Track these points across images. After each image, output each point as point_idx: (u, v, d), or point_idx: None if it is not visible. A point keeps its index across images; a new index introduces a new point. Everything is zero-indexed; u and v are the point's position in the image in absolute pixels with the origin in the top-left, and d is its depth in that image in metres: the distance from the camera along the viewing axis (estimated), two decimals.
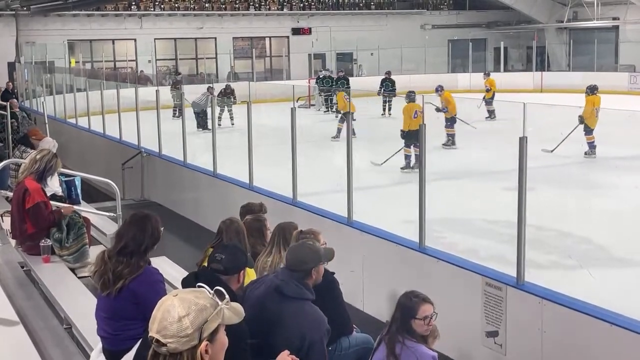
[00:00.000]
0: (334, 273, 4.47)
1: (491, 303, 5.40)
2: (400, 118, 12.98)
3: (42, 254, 5.81)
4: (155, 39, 30.00)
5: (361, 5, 34.20)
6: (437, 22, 34.91)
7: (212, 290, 2.14)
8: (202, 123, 17.28)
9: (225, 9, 31.44)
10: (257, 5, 32.08)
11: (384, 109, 21.34)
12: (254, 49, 31.80)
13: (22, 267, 6.11)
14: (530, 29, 33.31)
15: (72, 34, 28.31)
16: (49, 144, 7.76)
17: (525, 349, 5.21)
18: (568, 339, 4.90)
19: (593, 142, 13.36)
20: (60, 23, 28.12)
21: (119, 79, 18.11)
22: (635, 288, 6.57)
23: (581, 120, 13.29)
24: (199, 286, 2.16)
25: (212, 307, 2.08)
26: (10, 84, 23.06)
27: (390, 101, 20.69)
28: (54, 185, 6.88)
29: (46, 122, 13.20)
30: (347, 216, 7.14)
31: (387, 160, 12.39)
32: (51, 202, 6.16)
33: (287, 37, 32.69)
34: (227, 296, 2.15)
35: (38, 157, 6.12)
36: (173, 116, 17.92)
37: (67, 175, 7.69)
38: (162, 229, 4.11)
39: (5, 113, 11.98)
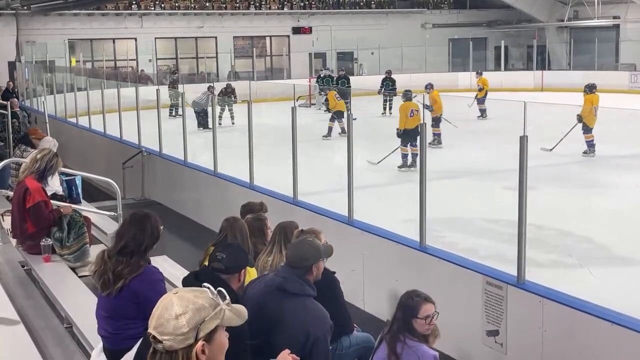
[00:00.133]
0: (334, 272, 4.47)
1: (492, 302, 5.40)
2: None
3: (43, 253, 5.80)
4: (155, 38, 30.02)
5: (362, 4, 34.20)
6: (437, 21, 34.92)
7: (215, 289, 2.13)
8: (202, 122, 17.29)
9: (225, 8, 31.44)
10: (257, 4, 32.09)
11: (385, 108, 21.35)
12: (254, 48, 31.79)
13: (23, 266, 6.11)
14: (530, 27, 33.31)
15: (73, 33, 28.33)
16: (50, 143, 7.75)
17: (525, 348, 5.21)
18: (568, 338, 4.90)
19: (592, 140, 13.30)
20: (60, 22, 28.14)
21: (120, 78, 18.11)
22: (636, 287, 6.57)
23: (580, 119, 13.26)
24: (204, 285, 2.15)
25: (211, 307, 2.06)
26: (11, 83, 23.09)
27: (390, 100, 20.69)
28: (54, 184, 6.87)
29: (47, 121, 13.22)
30: (347, 215, 7.15)
31: (383, 159, 12.39)
32: (52, 201, 6.15)
33: (288, 36, 32.69)
34: (227, 297, 2.14)
35: (39, 156, 6.11)
36: (169, 115, 17.94)
37: (67, 175, 7.68)
38: (161, 227, 4.10)
39: (5, 112, 11.99)
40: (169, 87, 21.11)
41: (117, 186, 7.81)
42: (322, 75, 25.07)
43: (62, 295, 5.14)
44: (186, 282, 3.66)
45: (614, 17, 30.93)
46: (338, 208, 7.38)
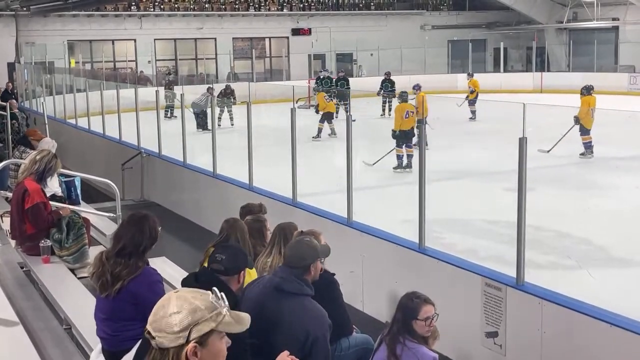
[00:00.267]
0: (334, 274, 4.47)
1: (491, 303, 5.40)
2: None
3: (42, 254, 5.80)
4: (155, 39, 30.02)
5: (361, 5, 34.21)
6: (436, 22, 34.93)
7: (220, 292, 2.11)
8: (202, 123, 17.27)
9: (225, 9, 31.44)
10: (256, 5, 32.09)
11: (384, 110, 21.37)
12: (253, 50, 31.81)
13: (22, 267, 6.11)
14: (530, 29, 33.34)
15: (72, 34, 28.32)
16: (49, 144, 7.75)
17: (524, 349, 5.21)
18: (568, 340, 4.90)
19: (590, 142, 13.25)
20: (60, 23, 28.13)
21: (119, 79, 18.15)
22: (635, 288, 6.57)
23: (577, 120, 13.20)
24: (208, 288, 2.14)
25: (208, 310, 2.04)
26: (10, 84, 23.03)
27: (390, 102, 20.71)
28: (53, 185, 6.88)
29: (46, 122, 13.20)
30: (346, 217, 7.15)
31: (378, 160, 12.39)
32: (51, 202, 6.15)
33: (287, 37, 32.70)
34: (227, 303, 2.11)
35: (38, 157, 6.11)
36: (165, 116, 17.94)
37: (66, 176, 7.68)
38: (160, 229, 4.10)
39: (5, 113, 11.99)
40: (165, 88, 21.11)
41: (116, 187, 7.82)
42: (321, 77, 25.04)
43: (61, 296, 5.14)
44: (185, 284, 3.65)
45: (613, 19, 30.96)
46: (337, 209, 7.38)
